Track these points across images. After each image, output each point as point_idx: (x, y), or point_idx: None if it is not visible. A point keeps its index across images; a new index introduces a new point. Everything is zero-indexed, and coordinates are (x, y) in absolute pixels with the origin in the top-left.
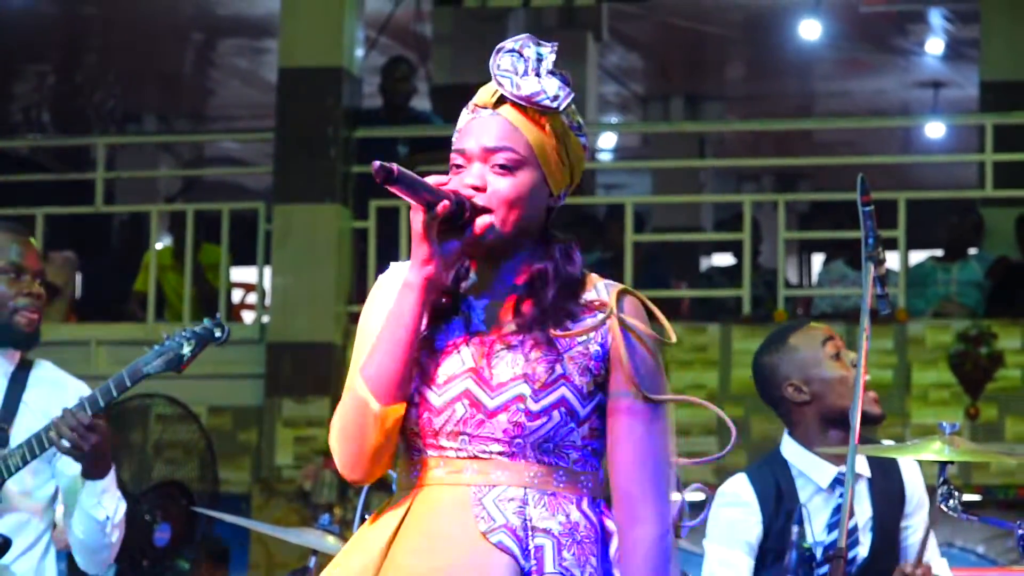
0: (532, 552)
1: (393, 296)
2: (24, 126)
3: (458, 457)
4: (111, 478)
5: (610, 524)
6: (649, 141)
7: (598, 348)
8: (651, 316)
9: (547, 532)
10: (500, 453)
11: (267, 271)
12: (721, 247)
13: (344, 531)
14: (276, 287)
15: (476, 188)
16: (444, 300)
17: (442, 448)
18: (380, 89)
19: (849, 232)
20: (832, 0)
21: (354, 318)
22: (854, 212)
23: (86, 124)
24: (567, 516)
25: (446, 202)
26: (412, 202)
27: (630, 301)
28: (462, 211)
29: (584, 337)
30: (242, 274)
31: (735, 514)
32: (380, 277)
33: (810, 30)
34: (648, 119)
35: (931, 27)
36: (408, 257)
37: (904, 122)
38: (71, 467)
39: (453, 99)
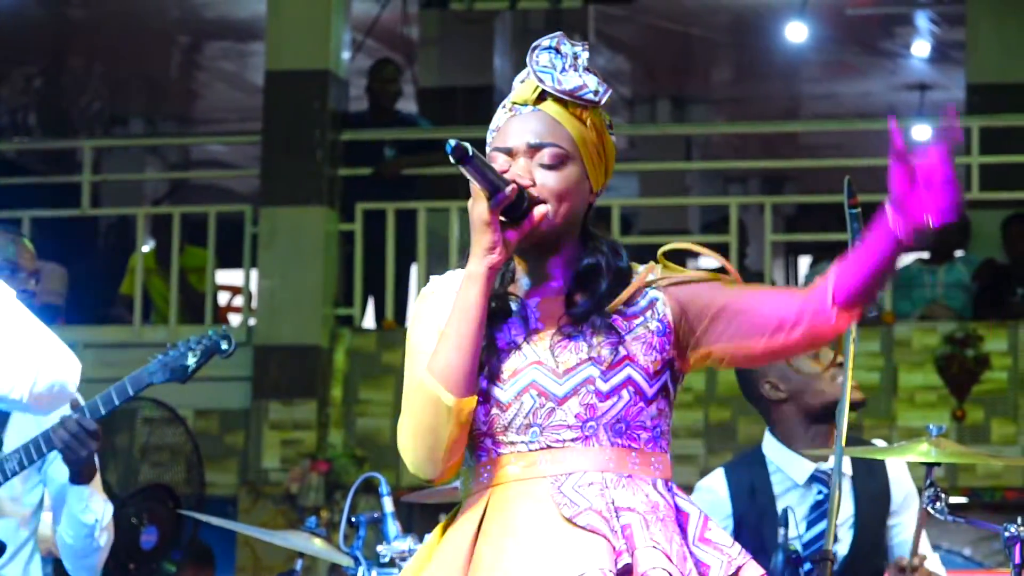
0: (620, 531)
1: (442, 302)
2: (10, 129)
3: (530, 450)
4: (97, 482)
5: (683, 504)
6: (635, 143)
7: (658, 324)
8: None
9: (632, 510)
10: (574, 440)
11: (253, 274)
12: (707, 249)
13: (331, 534)
14: (262, 290)
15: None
16: (497, 303)
17: (513, 444)
18: (367, 91)
19: (835, 234)
20: (818, 2)
21: (341, 321)
22: (841, 214)
23: (72, 127)
24: (647, 496)
25: (514, 186)
26: (478, 185)
27: (667, 265)
28: (521, 200)
29: (642, 317)
30: (228, 277)
31: (708, 505)
32: (423, 290)
33: (796, 32)
34: (634, 121)
35: (917, 29)
36: (396, 259)
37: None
38: (61, 474)
39: (439, 102)
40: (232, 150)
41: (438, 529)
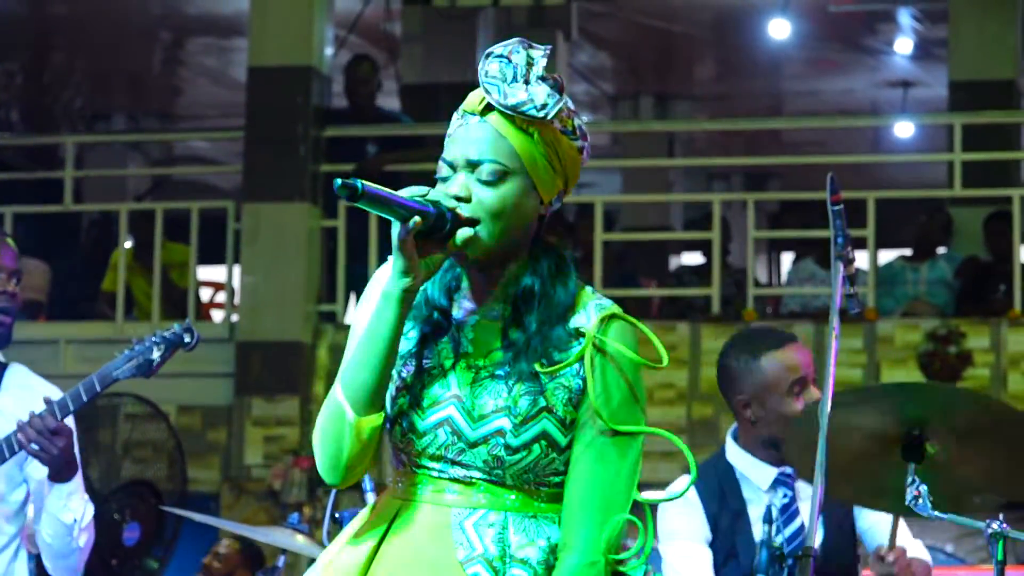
0: None
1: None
2: None
3: (440, 478)
4: (78, 481)
5: None
6: (619, 140)
7: (578, 381)
8: (639, 341)
9: (524, 563)
10: (481, 479)
11: (236, 270)
12: (691, 246)
13: (313, 530)
14: (245, 286)
15: (460, 199)
16: (434, 319)
17: (427, 467)
18: (345, 90)
19: (818, 231)
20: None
21: (324, 317)
22: (823, 211)
23: (55, 123)
24: (547, 539)
25: (417, 219)
26: (386, 216)
27: (617, 327)
28: (443, 222)
29: (567, 370)
30: (211, 273)
31: (682, 511)
32: (375, 275)
33: (779, 29)
34: (617, 118)
35: (900, 27)
36: (379, 255)
37: (873, 121)
38: (40, 471)
39: (422, 98)
40: (215, 146)
41: (344, 532)
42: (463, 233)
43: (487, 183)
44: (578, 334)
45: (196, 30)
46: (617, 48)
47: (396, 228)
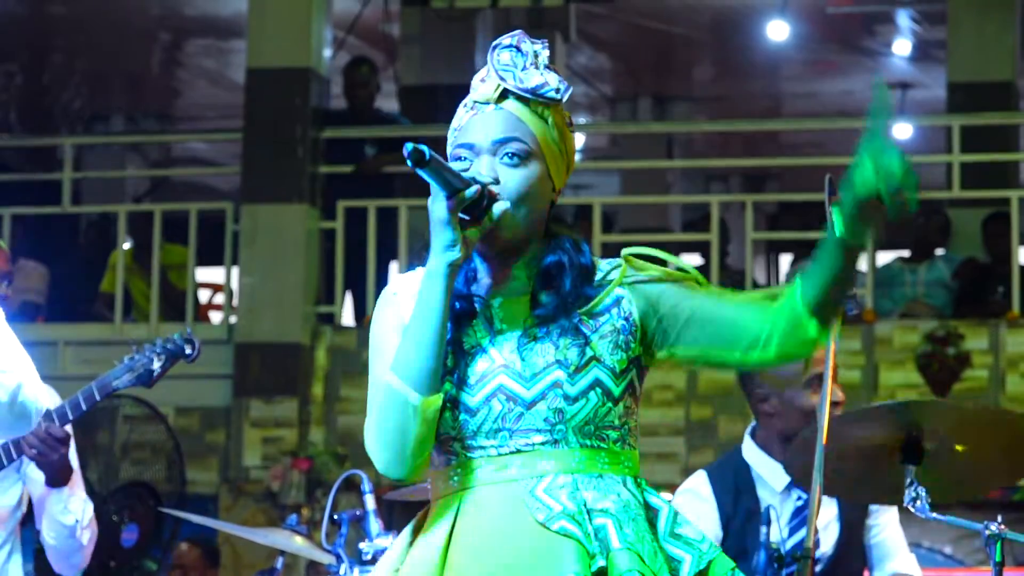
0: (594, 534)
1: (405, 301)
2: None
3: (501, 454)
4: (76, 481)
5: (653, 501)
6: (617, 142)
7: (623, 322)
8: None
9: (604, 512)
10: (543, 443)
11: (235, 271)
12: (689, 247)
13: (312, 532)
14: (244, 287)
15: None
16: (461, 304)
17: (483, 447)
18: (343, 91)
19: (817, 233)
20: (799, 1)
21: (322, 318)
22: (822, 213)
23: (53, 124)
24: (618, 495)
25: (477, 186)
26: (434, 187)
27: (636, 262)
28: (482, 198)
29: (607, 315)
30: (209, 274)
31: (696, 508)
32: (385, 289)
33: (777, 31)
34: (616, 120)
35: (898, 28)
36: (378, 257)
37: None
38: (39, 472)
39: (421, 99)
40: (213, 147)
41: (406, 532)
42: (500, 206)
43: (513, 164)
44: (604, 285)
45: (195, 31)
46: (615, 49)
47: (437, 203)
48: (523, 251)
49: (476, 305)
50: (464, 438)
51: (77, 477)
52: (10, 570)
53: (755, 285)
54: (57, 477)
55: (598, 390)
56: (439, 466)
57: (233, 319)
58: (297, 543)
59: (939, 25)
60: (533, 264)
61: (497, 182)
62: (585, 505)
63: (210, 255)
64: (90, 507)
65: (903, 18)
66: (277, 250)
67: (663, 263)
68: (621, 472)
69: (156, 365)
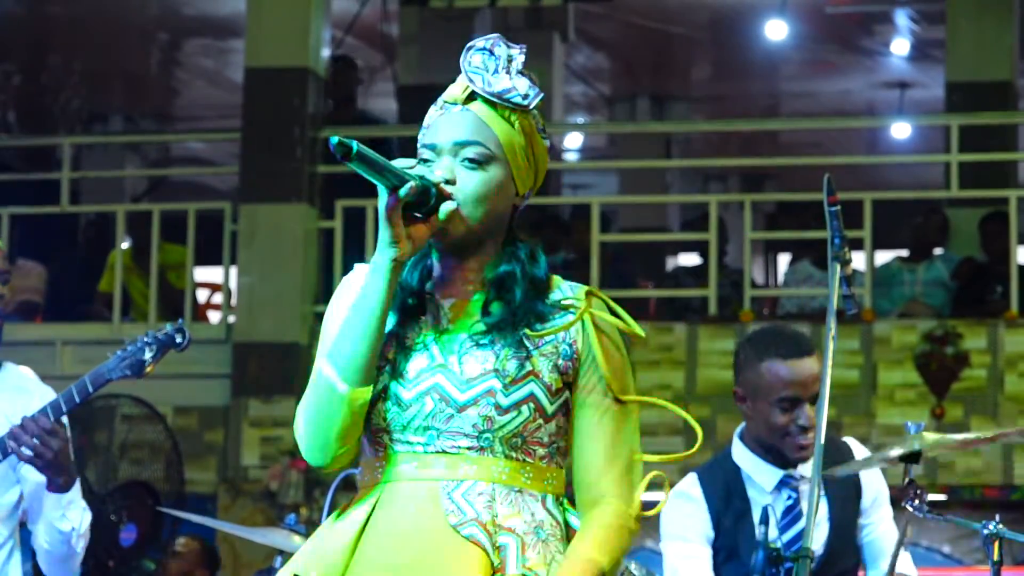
0: (498, 549)
1: (356, 291)
2: None
3: (426, 452)
4: (76, 490)
5: (574, 520)
6: (615, 141)
7: (566, 347)
8: (616, 316)
9: (511, 531)
10: (469, 448)
11: (233, 271)
12: (687, 247)
13: (310, 531)
14: (242, 287)
15: (446, 181)
16: (412, 301)
17: (410, 443)
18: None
19: (815, 232)
20: (798, 1)
21: (320, 318)
22: (820, 212)
23: (52, 124)
24: (532, 514)
25: (412, 184)
26: (373, 182)
27: (597, 302)
28: (428, 196)
29: (552, 337)
30: (208, 274)
31: (687, 510)
32: (345, 277)
33: (776, 31)
34: (614, 119)
35: (897, 28)
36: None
37: (870, 123)
38: (34, 472)
39: (419, 99)
40: (212, 147)
41: (331, 517)
42: (447, 207)
43: (472, 166)
44: (559, 306)
45: (193, 31)
46: (614, 49)
47: (383, 199)
48: (479, 251)
49: (426, 302)
50: (393, 431)
51: (77, 487)
52: (10, 570)
53: (753, 284)
54: (58, 479)
55: (531, 405)
56: (368, 456)
57: (231, 319)
58: (295, 543)
59: (938, 24)
60: (488, 268)
61: (452, 182)
62: (497, 518)
63: (208, 255)
64: (88, 516)
65: (902, 17)
66: (275, 250)
67: (619, 316)
68: (543, 489)
69: (147, 355)
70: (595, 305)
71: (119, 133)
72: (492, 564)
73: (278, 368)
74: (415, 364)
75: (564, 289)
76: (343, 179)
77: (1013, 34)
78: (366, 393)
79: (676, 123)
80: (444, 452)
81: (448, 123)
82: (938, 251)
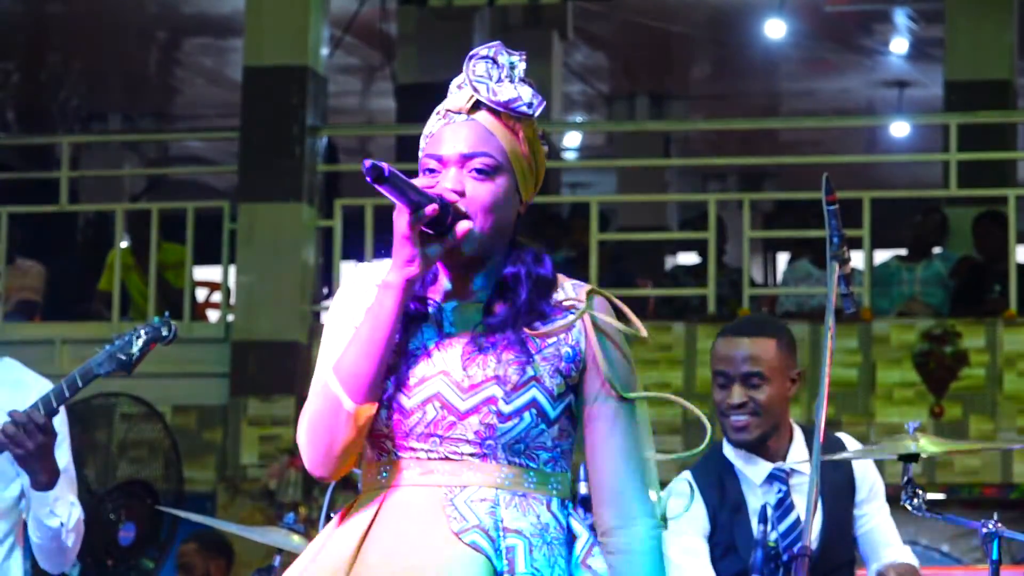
0: (504, 552)
1: (363, 294)
2: None
3: (429, 458)
4: (62, 486)
5: (576, 525)
6: (614, 140)
7: (569, 350)
8: (619, 314)
9: (518, 533)
10: (471, 454)
11: (232, 270)
12: (686, 246)
13: (309, 530)
14: (241, 286)
15: (456, 192)
16: (414, 306)
17: (413, 449)
18: None
19: (814, 231)
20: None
21: (319, 317)
22: (819, 211)
23: (50, 123)
24: (538, 517)
25: (435, 205)
26: (397, 203)
27: (600, 300)
28: (445, 214)
29: (555, 339)
30: (206, 273)
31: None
32: (346, 278)
33: (775, 29)
34: (613, 118)
35: (896, 27)
36: (375, 255)
37: (869, 121)
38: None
39: (418, 98)
40: (210, 146)
41: (330, 525)
42: (463, 225)
43: (480, 177)
44: (562, 307)
45: (192, 30)
46: (613, 48)
47: (401, 219)
48: (486, 261)
49: (429, 309)
50: (395, 437)
51: (65, 480)
52: (11, 567)
53: (752, 283)
54: (39, 478)
55: (533, 411)
56: (371, 459)
57: (230, 317)
58: (294, 541)
59: (936, 24)
60: (494, 273)
61: (463, 195)
62: (501, 523)
63: (207, 253)
64: (77, 510)
65: (900, 16)
66: (274, 248)
67: (624, 316)
68: (547, 493)
69: (135, 349)
70: (597, 305)
71: (118, 132)
72: (495, 570)
73: (277, 367)
74: (417, 371)
75: (568, 289)
76: (342, 178)
77: (1012, 33)
78: (370, 409)
79: (675, 122)
80: (447, 458)
81: (454, 134)
82: (937, 250)
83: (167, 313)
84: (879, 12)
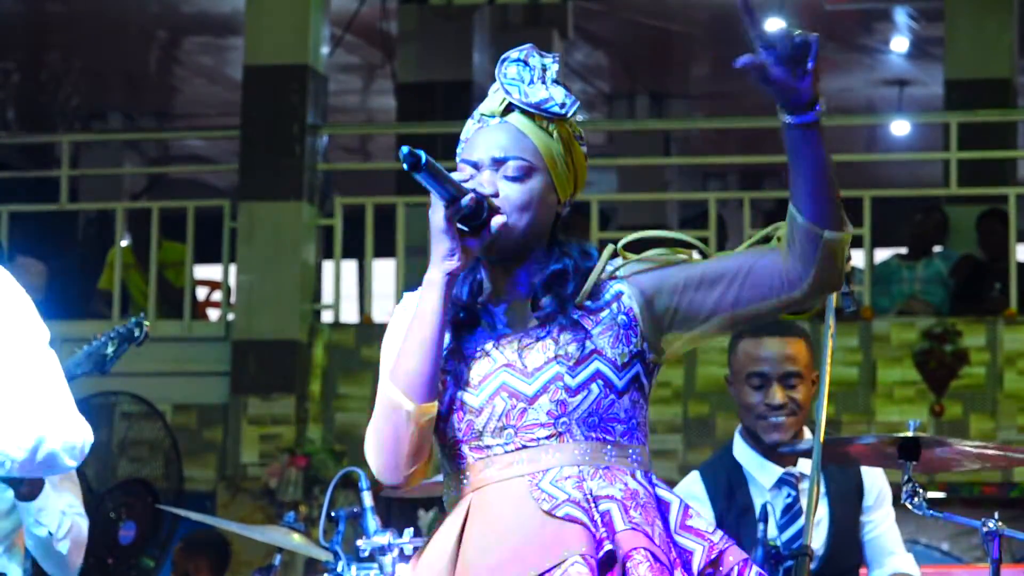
0: (600, 519)
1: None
2: None
3: (507, 452)
4: (46, 496)
5: (663, 494)
6: (614, 139)
7: (624, 318)
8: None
9: (610, 498)
10: (548, 437)
11: (232, 268)
12: (686, 245)
13: (310, 529)
14: (241, 285)
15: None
16: (463, 315)
17: (488, 447)
18: None
19: None
20: None
21: (319, 316)
22: None
23: (51, 121)
24: (625, 485)
25: (472, 195)
26: (432, 196)
27: (628, 257)
28: (481, 209)
29: (607, 311)
30: (207, 271)
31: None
32: (398, 305)
33: (775, 28)
34: (613, 117)
35: (896, 25)
36: (374, 254)
37: (869, 120)
38: None
39: (419, 97)
40: (211, 145)
41: (430, 537)
42: (498, 220)
43: (514, 179)
44: (605, 281)
45: (192, 29)
46: (613, 47)
47: (436, 212)
48: (526, 260)
49: (479, 313)
50: (470, 440)
51: (50, 489)
52: (10, 569)
53: None
54: (19, 487)
55: (600, 382)
56: (451, 472)
57: (231, 316)
58: (295, 540)
59: (937, 22)
60: (536, 271)
61: (497, 195)
62: (591, 492)
63: (208, 252)
64: (67, 521)
65: (901, 15)
66: (274, 247)
67: (664, 242)
68: (628, 465)
69: (109, 350)
70: (628, 259)
71: (118, 131)
72: (595, 536)
73: (277, 365)
74: (478, 370)
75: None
76: (342, 177)
77: (1012, 32)
78: (432, 407)
79: (675, 121)
80: (524, 447)
81: (487, 137)
82: (937, 249)
83: (143, 314)
84: (879, 11)
